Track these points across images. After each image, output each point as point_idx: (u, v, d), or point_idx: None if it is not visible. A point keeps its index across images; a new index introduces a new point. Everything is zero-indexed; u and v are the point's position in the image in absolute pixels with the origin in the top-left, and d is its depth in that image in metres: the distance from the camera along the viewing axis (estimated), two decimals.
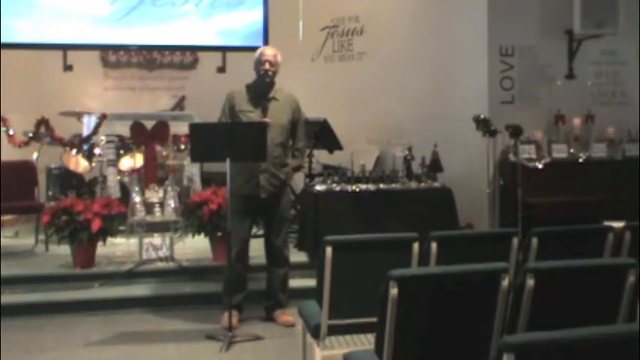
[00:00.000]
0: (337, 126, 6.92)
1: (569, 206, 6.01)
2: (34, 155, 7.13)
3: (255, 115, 4.73)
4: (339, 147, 6.94)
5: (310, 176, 6.66)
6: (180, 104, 8.53)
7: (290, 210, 5.13)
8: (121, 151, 6.96)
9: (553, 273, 2.74)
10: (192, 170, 6.85)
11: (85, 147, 7.07)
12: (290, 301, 4.85)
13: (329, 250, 3.32)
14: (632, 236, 3.68)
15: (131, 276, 5.54)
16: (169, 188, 5.82)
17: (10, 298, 5.18)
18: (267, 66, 4.73)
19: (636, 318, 2.86)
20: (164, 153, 7.00)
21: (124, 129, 6.85)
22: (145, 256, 5.70)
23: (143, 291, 5.39)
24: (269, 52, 4.81)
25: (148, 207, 5.79)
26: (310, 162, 6.78)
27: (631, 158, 6.54)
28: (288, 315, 4.89)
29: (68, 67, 8.38)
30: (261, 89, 4.81)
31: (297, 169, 5.08)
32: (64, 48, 8.23)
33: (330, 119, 6.87)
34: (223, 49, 8.33)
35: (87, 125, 7.23)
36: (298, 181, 7.42)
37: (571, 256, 2.91)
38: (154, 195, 5.83)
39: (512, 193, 5.86)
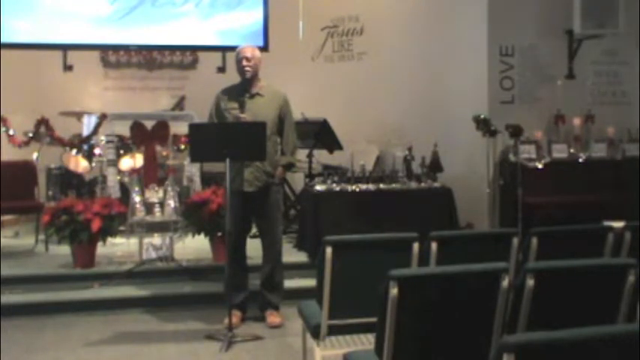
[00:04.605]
0: (337, 126, 6.92)
1: (570, 206, 6.01)
2: (34, 155, 7.13)
3: (238, 112, 4.74)
4: (339, 147, 6.95)
5: (310, 176, 6.66)
6: (180, 104, 8.53)
7: (281, 208, 5.11)
8: (121, 151, 6.95)
9: (553, 273, 2.74)
10: (192, 170, 6.85)
11: (85, 147, 7.07)
12: (290, 301, 4.82)
13: (329, 250, 3.32)
14: (632, 236, 3.68)
15: (131, 276, 5.54)
16: (169, 188, 5.82)
17: (10, 298, 5.18)
18: (244, 62, 4.80)
19: (636, 318, 2.86)
20: (164, 153, 6.99)
21: (124, 129, 6.84)
22: (145, 256, 5.70)
23: (143, 291, 5.38)
24: (246, 48, 4.90)
25: (148, 207, 5.78)
26: (310, 162, 6.79)
27: (631, 158, 6.55)
28: (277, 316, 4.88)
29: (68, 67, 8.37)
30: (244, 86, 4.86)
31: (288, 166, 5.04)
32: (64, 48, 8.22)
33: (330, 119, 6.87)
34: (223, 49, 8.33)
35: (87, 125, 7.23)
36: (298, 181, 7.43)
37: (571, 256, 2.91)
38: (154, 195, 5.83)
39: (512, 193, 5.86)
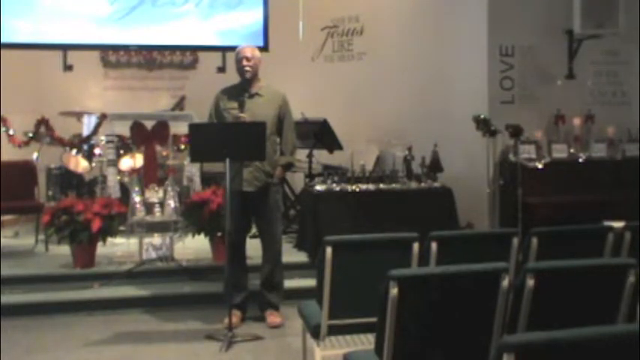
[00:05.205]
0: (337, 126, 6.93)
1: (569, 206, 6.01)
2: (34, 155, 7.13)
3: (237, 112, 4.75)
4: (339, 147, 6.95)
5: (310, 176, 6.66)
6: (180, 104, 8.53)
7: (280, 209, 5.12)
8: (121, 151, 6.96)
9: (553, 273, 2.74)
10: (192, 170, 6.85)
11: (85, 147, 7.07)
12: (290, 301, 4.83)
13: (329, 250, 3.32)
14: (632, 236, 3.68)
15: (131, 276, 5.54)
16: (169, 188, 5.82)
17: (10, 298, 5.18)
18: (244, 62, 4.81)
19: (636, 318, 2.86)
20: (164, 153, 7.00)
21: (124, 129, 6.85)
22: (145, 256, 5.70)
23: (143, 291, 5.38)
24: (245, 48, 4.90)
25: (148, 207, 5.79)
26: (310, 162, 6.79)
27: (631, 158, 6.54)
28: (277, 316, 4.88)
29: (68, 67, 8.37)
30: (243, 86, 4.86)
31: (288, 166, 5.04)
32: (64, 48, 8.22)
33: (330, 119, 6.88)
34: (223, 49, 8.33)
35: (87, 125, 7.24)
36: (298, 181, 7.43)
37: (571, 256, 2.91)
38: (154, 195, 5.83)
39: (512, 193, 5.86)
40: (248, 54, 4.83)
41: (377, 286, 2.64)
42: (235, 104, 4.78)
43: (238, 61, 4.85)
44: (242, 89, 4.86)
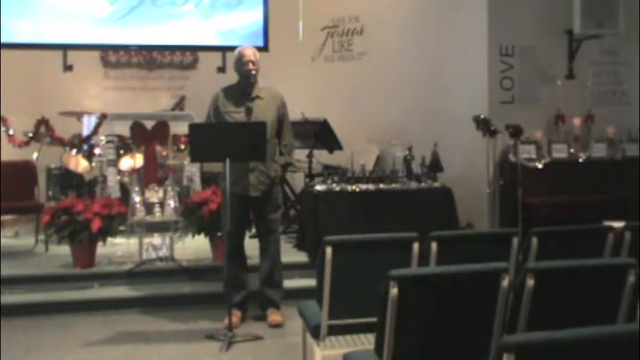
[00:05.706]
0: (337, 126, 6.92)
1: (569, 206, 6.01)
2: (34, 155, 7.13)
3: (240, 116, 4.74)
4: (339, 147, 6.94)
5: (310, 176, 6.66)
6: (180, 104, 8.53)
7: (280, 208, 5.13)
8: (121, 151, 6.96)
9: (553, 273, 2.74)
10: (192, 170, 6.85)
11: (85, 147, 7.07)
12: (290, 301, 4.83)
13: (329, 250, 3.32)
14: (632, 236, 3.68)
15: (131, 276, 5.54)
16: (169, 188, 5.82)
17: (10, 298, 5.18)
18: (250, 65, 4.77)
19: (636, 318, 2.86)
20: (164, 153, 7.00)
21: (124, 129, 6.85)
22: (145, 256, 5.70)
23: (143, 291, 5.39)
24: (249, 51, 4.83)
25: (148, 207, 5.79)
26: (310, 162, 6.79)
27: (631, 158, 6.54)
28: (278, 315, 4.88)
29: (68, 67, 8.37)
30: (245, 88, 4.83)
31: (287, 166, 5.05)
32: (64, 48, 8.22)
33: (330, 119, 6.87)
34: (223, 49, 8.33)
35: (87, 125, 7.24)
36: (298, 181, 7.42)
37: (571, 256, 2.91)
38: (154, 195, 5.83)
39: (512, 193, 5.86)
40: (252, 57, 4.78)
41: (377, 286, 2.63)
42: (235, 107, 4.77)
43: (243, 64, 4.78)
44: (242, 91, 4.84)
